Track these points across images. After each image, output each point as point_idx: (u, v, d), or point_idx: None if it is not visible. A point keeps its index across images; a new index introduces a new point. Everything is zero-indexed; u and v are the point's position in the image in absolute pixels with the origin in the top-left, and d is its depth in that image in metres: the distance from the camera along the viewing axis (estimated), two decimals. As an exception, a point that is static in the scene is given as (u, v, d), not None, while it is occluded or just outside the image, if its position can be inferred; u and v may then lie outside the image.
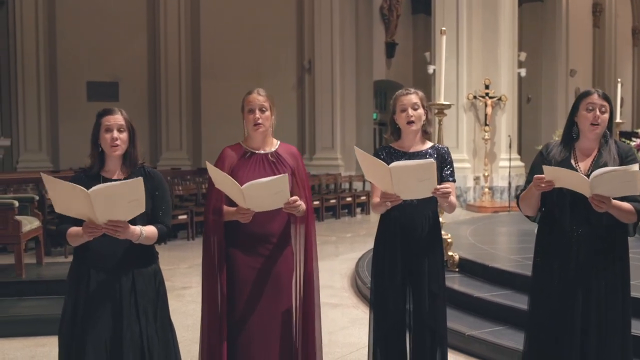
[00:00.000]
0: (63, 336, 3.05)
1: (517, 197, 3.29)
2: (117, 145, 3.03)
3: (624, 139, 8.95)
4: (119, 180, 2.95)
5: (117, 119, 3.05)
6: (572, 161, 3.14)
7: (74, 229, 2.96)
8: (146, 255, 3.10)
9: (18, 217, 6.42)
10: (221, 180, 3.18)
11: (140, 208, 2.85)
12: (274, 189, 3.14)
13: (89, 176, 3.07)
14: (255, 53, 17.97)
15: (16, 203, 6.44)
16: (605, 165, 3.04)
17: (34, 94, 17.02)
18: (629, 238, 3.20)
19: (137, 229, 2.94)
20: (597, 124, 3.07)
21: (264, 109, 3.38)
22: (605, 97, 3.09)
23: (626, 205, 2.98)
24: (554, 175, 2.95)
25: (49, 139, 17.33)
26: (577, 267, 3.08)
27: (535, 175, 3.03)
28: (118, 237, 2.88)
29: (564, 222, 3.11)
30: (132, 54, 17.98)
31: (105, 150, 3.06)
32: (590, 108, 3.07)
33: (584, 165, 3.13)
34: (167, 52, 18.13)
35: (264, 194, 3.14)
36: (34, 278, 6.36)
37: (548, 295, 3.16)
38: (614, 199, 2.93)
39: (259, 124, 3.38)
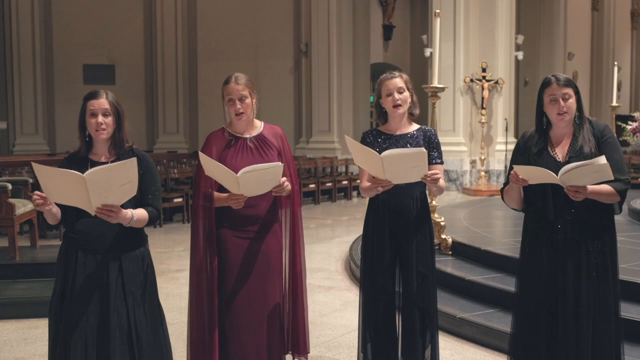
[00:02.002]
0: (52, 318, 3.06)
1: (502, 190, 3.29)
2: (102, 130, 3.02)
3: (620, 123, 8.92)
4: (107, 163, 2.95)
5: (102, 102, 3.02)
6: (550, 150, 3.13)
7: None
8: (135, 237, 3.10)
9: (11, 200, 6.43)
10: (213, 169, 3.18)
11: (132, 191, 2.84)
12: (269, 176, 3.18)
13: (78, 160, 3.07)
14: (252, 36, 17.90)
15: (9, 186, 6.44)
16: (581, 148, 3.03)
17: (30, 77, 16.98)
18: (617, 224, 3.19)
19: (129, 212, 2.93)
20: (564, 113, 3.06)
21: (243, 97, 3.37)
22: (567, 83, 3.05)
23: (605, 188, 2.95)
24: (527, 174, 2.95)
25: (46, 122, 17.30)
26: (565, 252, 3.07)
27: (512, 172, 3.02)
28: (110, 221, 2.88)
29: (548, 212, 3.09)
30: (128, 36, 17.92)
31: (91, 134, 3.06)
32: (553, 99, 3.06)
33: (561, 152, 3.11)
34: (163, 34, 18.04)
35: (258, 180, 3.16)
36: (27, 261, 6.40)
37: (538, 281, 3.15)
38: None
39: (241, 113, 3.38)
